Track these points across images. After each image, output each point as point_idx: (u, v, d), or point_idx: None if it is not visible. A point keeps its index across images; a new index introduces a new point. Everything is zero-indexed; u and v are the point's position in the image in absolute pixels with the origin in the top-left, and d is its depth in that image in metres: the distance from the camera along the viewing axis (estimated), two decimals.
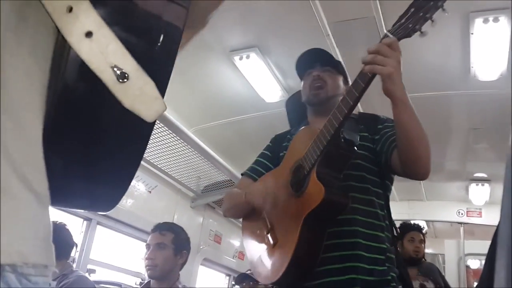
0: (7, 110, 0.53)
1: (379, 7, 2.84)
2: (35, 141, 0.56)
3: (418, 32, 1.35)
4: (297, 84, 1.90)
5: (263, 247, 1.67)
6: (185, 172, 4.84)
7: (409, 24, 1.34)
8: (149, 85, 0.57)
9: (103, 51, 0.54)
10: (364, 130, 1.73)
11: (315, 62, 1.80)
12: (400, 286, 1.61)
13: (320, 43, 3.07)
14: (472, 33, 2.99)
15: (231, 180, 5.00)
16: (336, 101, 1.61)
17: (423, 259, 3.88)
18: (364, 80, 1.40)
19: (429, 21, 1.33)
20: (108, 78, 0.54)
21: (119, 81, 0.54)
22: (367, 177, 1.66)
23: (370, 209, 1.63)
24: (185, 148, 4.34)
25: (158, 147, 4.14)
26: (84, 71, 0.54)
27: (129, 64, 0.55)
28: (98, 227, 4.12)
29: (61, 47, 0.58)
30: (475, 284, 5.62)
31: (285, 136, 1.89)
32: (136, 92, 0.55)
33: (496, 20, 2.85)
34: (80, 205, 0.74)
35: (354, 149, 1.58)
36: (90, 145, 0.60)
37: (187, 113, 4.17)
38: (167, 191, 4.98)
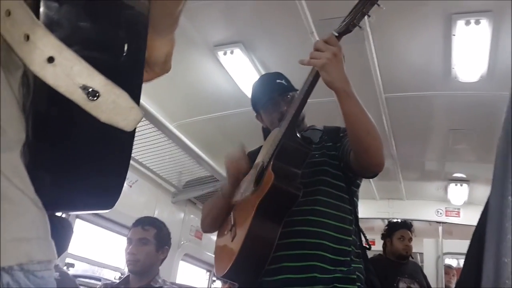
0: None
1: None
2: (18, 153, 0.57)
3: (358, 27, 1.45)
4: None
5: (224, 242, 1.71)
6: (167, 166, 4.81)
7: (349, 21, 1.45)
8: (122, 97, 0.58)
9: (68, 73, 0.55)
10: (328, 141, 1.78)
11: (271, 92, 1.84)
12: None
13: (305, 41, 3.07)
14: (454, 35, 3.02)
15: (212, 176, 4.99)
16: (304, 115, 1.79)
17: (411, 257, 3.92)
18: (312, 74, 1.52)
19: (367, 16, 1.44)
20: (79, 98, 0.55)
21: (90, 99, 0.56)
22: (334, 182, 1.70)
23: (337, 213, 1.66)
24: (166, 143, 4.31)
25: (139, 141, 4.08)
26: (54, 95, 0.55)
27: (97, 81, 0.56)
28: (77, 220, 4.07)
29: (27, 74, 0.58)
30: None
31: (256, 154, 1.87)
32: (110, 106, 0.57)
33: (477, 22, 2.88)
34: (73, 210, 0.76)
35: (311, 145, 1.62)
36: (75, 159, 0.61)
37: (169, 107, 4.14)
38: (148, 186, 4.94)
